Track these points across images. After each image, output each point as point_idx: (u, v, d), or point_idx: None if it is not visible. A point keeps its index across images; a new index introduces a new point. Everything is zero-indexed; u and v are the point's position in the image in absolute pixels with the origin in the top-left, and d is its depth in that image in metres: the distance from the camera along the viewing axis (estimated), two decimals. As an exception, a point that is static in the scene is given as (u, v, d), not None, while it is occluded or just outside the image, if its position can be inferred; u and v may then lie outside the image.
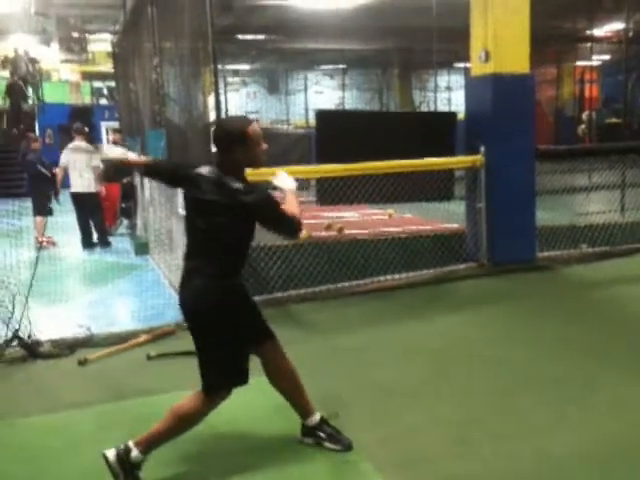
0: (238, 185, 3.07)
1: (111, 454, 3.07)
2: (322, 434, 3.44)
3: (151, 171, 3.87)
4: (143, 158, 4.16)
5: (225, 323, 3.13)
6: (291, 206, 3.26)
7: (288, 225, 3.22)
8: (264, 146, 3.20)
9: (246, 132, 3.12)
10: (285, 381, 3.40)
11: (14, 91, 18.11)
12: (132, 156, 3.74)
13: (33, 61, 18.80)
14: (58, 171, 10.05)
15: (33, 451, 3.56)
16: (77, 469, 3.36)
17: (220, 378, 3.17)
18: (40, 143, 10.82)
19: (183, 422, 3.15)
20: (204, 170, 3.20)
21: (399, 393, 4.16)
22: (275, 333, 3.39)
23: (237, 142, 3.10)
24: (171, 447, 3.28)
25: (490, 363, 4.64)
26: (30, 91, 19.04)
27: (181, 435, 3.20)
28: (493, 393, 4.13)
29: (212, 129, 3.92)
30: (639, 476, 3.16)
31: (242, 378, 3.21)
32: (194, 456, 3.40)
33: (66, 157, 9.99)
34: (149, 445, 3.11)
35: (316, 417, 3.47)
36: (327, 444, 3.42)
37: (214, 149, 3.26)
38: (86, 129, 10.51)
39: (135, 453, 3.06)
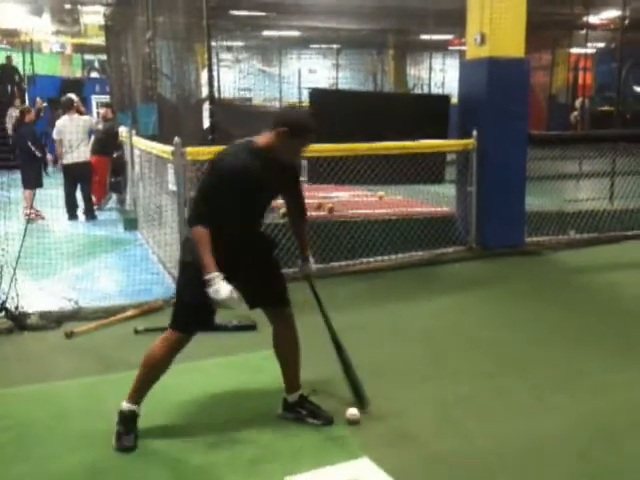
0: None
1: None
2: (303, 411, 3.53)
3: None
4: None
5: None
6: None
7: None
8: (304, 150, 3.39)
9: (308, 128, 3.30)
10: (286, 348, 3.53)
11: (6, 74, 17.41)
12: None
13: None
14: (56, 145, 10.05)
15: (17, 420, 3.56)
16: (62, 439, 3.36)
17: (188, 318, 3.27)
18: (33, 114, 10.68)
19: (151, 364, 3.28)
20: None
21: (387, 372, 4.19)
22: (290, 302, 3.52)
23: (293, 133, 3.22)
24: (159, 420, 3.30)
25: (477, 345, 4.68)
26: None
27: (155, 379, 3.29)
28: (480, 374, 4.17)
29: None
30: (617, 458, 3.20)
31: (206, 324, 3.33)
32: (181, 429, 3.42)
33: (59, 131, 9.92)
34: (133, 394, 3.29)
35: (297, 394, 3.55)
36: (308, 419, 3.50)
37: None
38: (74, 98, 10.35)
39: (125, 405, 3.27)
